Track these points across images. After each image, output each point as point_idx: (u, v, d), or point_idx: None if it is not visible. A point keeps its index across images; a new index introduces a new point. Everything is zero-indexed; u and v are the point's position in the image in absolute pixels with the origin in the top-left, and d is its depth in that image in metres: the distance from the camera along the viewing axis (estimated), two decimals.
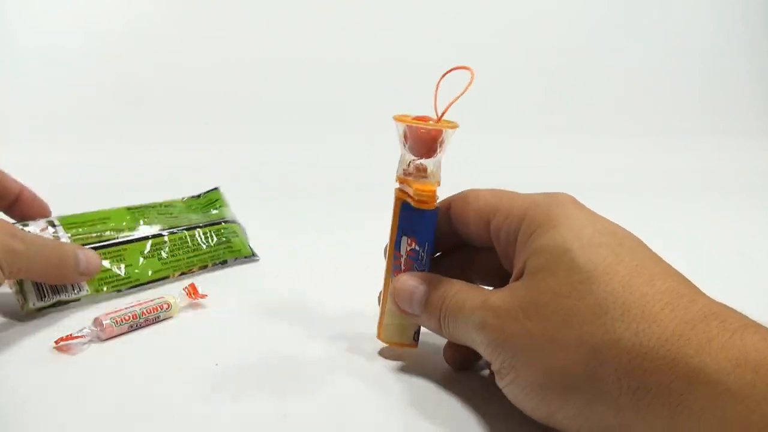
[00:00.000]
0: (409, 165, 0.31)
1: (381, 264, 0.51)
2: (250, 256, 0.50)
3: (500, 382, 0.27)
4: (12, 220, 0.43)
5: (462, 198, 0.32)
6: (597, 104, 1.13)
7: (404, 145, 0.30)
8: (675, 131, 1.11)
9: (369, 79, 1.02)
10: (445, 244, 0.34)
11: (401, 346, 0.33)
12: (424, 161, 0.30)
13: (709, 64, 1.17)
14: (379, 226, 0.62)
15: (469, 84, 0.28)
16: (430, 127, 0.29)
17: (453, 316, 0.29)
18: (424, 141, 0.29)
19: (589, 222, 0.27)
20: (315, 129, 0.97)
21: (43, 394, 0.30)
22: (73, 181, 0.82)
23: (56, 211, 0.45)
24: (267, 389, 0.31)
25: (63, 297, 0.39)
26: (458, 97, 0.28)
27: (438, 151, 0.30)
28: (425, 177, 0.30)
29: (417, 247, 0.31)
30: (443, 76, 0.29)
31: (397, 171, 0.31)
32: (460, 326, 0.29)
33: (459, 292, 0.29)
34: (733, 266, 0.55)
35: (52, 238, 0.40)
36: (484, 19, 1.12)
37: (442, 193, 0.32)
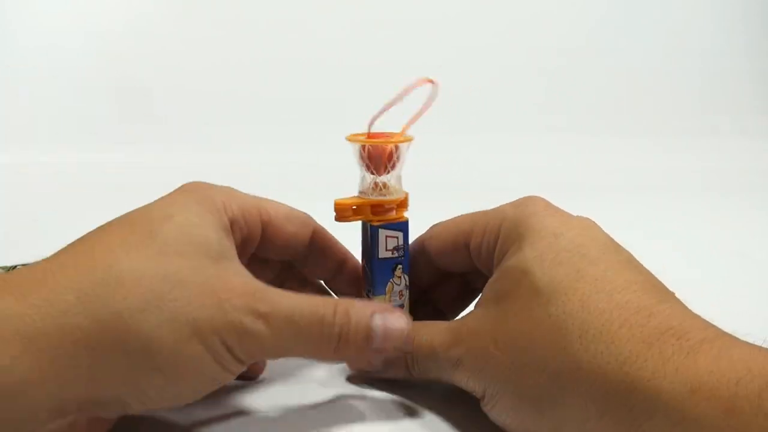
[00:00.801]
0: (369, 183, 0.31)
1: None
2: None
3: (483, 407, 0.27)
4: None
5: (433, 232, 0.32)
6: (597, 104, 1.13)
7: (362, 164, 0.30)
8: (675, 131, 1.11)
9: (369, 79, 1.02)
10: (430, 280, 0.33)
11: None
12: (383, 178, 0.30)
13: (709, 64, 1.17)
14: None
15: (432, 97, 0.28)
16: (385, 144, 0.29)
17: (425, 359, 0.28)
18: (381, 158, 0.29)
19: (555, 236, 0.26)
20: (315, 129, 0.97)
21: None
22: (73, 181, 0.82)
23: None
24: (267, 388, 0.31)
25: None
26: (422, 112, 0.28)
27: (396, 165, 0.30)
28: (385, 194, 0.30)
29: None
30: (408, 91, 0.28)
31: (359, 190, 0.31)
32: (432, 369, 0.28)
33: (426, 333, 0.28)
34: (733, 266, 0.55)
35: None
36: (485, 19, 1.12)
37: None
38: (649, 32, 1.17)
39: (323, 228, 0.32)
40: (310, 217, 0.32)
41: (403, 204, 0.31)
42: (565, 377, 0.23)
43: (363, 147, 0.29)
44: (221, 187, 0.29)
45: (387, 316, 0.26)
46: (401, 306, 0.32)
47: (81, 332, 0.21)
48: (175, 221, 0.25)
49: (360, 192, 0.31)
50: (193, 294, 0.23)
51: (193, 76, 1.05)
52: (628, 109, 1.14)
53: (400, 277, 0.31)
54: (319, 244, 0.32)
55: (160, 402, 0.24)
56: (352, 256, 0.33)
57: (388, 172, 0.30)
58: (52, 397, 0.21)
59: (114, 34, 1.04)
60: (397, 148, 0.29)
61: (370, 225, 0.30)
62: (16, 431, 0.21)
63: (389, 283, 0.31)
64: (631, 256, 0.27)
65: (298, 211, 0.31)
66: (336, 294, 0.34)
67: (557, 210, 0.28)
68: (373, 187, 0.30)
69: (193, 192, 0.27)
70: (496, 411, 0.26)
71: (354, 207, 0.30)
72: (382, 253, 0.30)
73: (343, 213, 0.30)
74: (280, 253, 0.31)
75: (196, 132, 0.99)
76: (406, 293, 0.32)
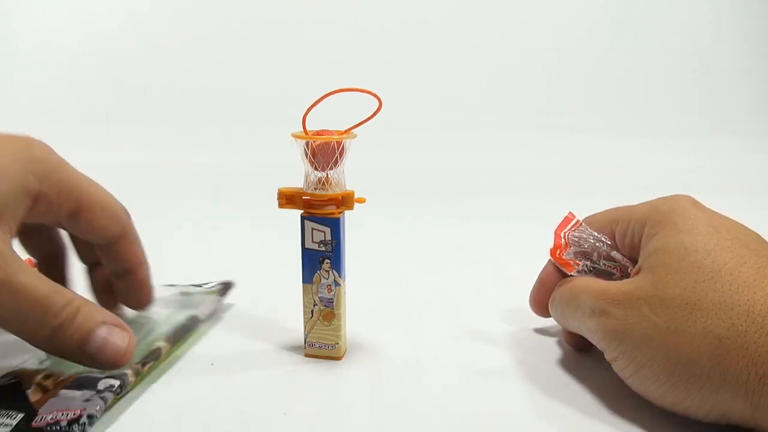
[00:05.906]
0: (310, 179, 0.32)
1: (378, 262, 0.51)
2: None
3: (621, 373, 0.28)
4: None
5: (587, 220, 0.35)
6: (597, 104, 1.13)
7: (306, 161, 0.31)
8: (675, 131, 1.11)
9: (369, 80, 1.02)
10: None
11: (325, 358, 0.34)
12: (327, 173, 0.31)
13: (708, 64, 1.17)
14: (378, 224, 0.62)
15: (377, 111, 0.30)
16: (330, 140, 0.30)
17: (567, 301, 0.31)
18: (325, 153, 0.31)
19: (713, 227, 0.28)
20: (314, 129, 0.98)
21: None
22: None
23: None
24: (266, 388, 0.31)
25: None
26: (364, 121, 0.30)
27: (339, 161, 0.31)
28: (327, 189, 0.31)
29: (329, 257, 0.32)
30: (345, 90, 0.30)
31: (303, 186, 0.32)
32: (570, 312, 0.31)
33: (578, 278, 0.32)
34: None
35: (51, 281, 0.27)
36: (485, 19, 1.12)
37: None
38: (649, 32, 1.17)
39: (133, 228, 0.33)
40: (125, 212, 0.32)
41: (345, 203, 0.32)
42: (730, 342, 0.24)
43: (310, 143, 0.31)
44: (54, 157, 0.29)
45: (114, 330, 0.27)
46: (330, 301, 0.32)
47: None
48: None
49: (304, 186, 0.32)
50: None
51: (193, 77, 1.05)
52: (629, 109, 1.15)
53: (328, 271, 0.32)
54: (121, 244, 0.32)
55: None
56: (146, 267, 0.34)
57: (331, 168, 0.31)
58: None
59: (114, 34, 1.04)
60: (339, 144, 0.31)
61: (301, 215, 0.32)
62: None
63: (316, 275, 0.32)
64: None
65: (117, 203, 0.32)
66: (119, 293, 0.34)
67: (705, 207, 0.31)
68: (316, 183, 0.31)
69: (18, 145, 0.28)
70: (640, 376, 0.27)
71: (287, 196, 0.32)
72: (309, 244, 0.32)
73: (279, 200, 0.32)
74: (85, 235, 0.32)
75: (196, 132, 0.99)
76: (336, 290, 0.33)
